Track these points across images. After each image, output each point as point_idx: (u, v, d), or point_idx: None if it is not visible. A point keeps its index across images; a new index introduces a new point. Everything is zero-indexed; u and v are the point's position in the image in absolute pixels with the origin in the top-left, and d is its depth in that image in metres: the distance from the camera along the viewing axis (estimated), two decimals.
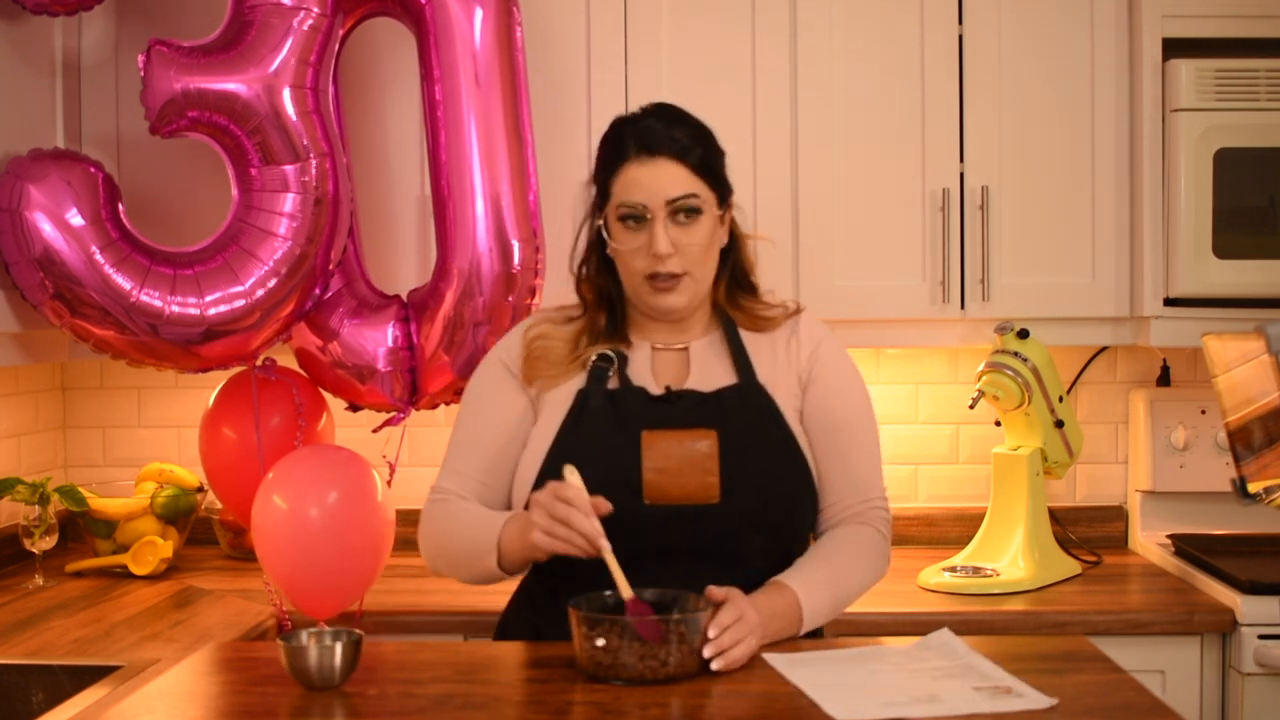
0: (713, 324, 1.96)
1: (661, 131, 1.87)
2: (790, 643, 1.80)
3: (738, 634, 1.64)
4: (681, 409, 1.85)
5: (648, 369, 1.91)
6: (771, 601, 1.75)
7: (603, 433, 1.84)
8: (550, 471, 1.82)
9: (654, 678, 1.58)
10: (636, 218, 1.85)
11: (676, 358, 1.93)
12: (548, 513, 1.68)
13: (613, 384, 1.88)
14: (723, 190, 1.91)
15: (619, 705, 1.52)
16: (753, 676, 1.64)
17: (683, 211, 1.84)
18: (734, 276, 1.97)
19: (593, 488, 1.75)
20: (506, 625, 1.99)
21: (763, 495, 1.82)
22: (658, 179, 1.84)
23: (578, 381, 1.89)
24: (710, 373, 1.91)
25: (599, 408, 1.85)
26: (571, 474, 1.69)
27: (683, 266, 1.85)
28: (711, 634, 1.62)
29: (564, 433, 1.85)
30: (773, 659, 1.69)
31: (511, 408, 1.92)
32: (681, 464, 1.80)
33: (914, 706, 1.50)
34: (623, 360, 1.90)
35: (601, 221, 1.90)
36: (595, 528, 1.65)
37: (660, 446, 1.81)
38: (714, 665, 1.61)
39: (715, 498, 1.80)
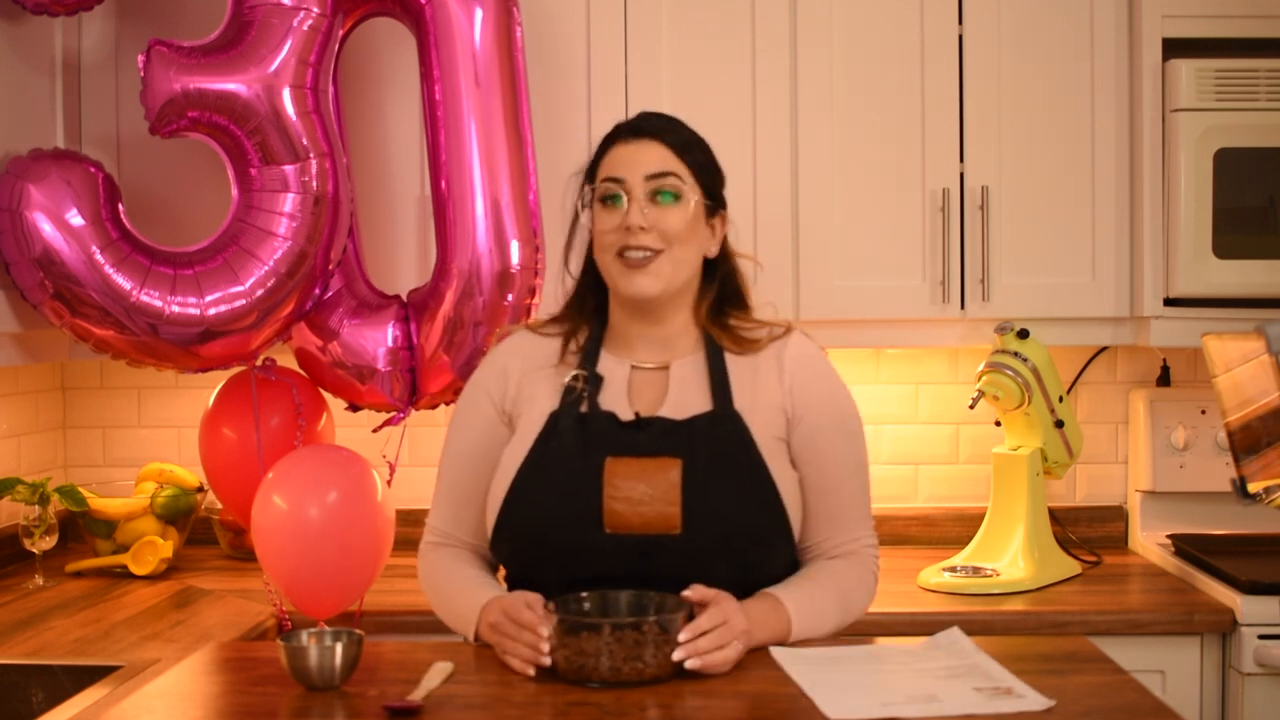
0: (698, 345, 1.91)
1: (656, 121, 1.89)
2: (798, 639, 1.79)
3: (720, 638, 1.63)
4: (649, 436, 1.81)
5: (623, 390, 1.87)
6: (763, 612, 1.74)
7: (568, 458, 1.80)
8: (517, 497, 1.81)
9: (631, 680, 1.58)
10: (615, 196, 1.84)
11: (655, 378, 1.89)
12: (500, 634, 1.69)
13: (584, 408, 1.84)
14: (711, 191, 1.89)
15: (619, 706, 1.52)
16: (752, 677, 1.63)
17: (661, 192, 1.83)
18: (722, 294, 1.94)
19: (555, 515, 1.75)
20: None
21: (725, 526, 1.77)
22: (639, 155, 1.84)
23: (551, 403, 1.86)
24: (687, 398, 1.86)
25: (567, 432, 1.82)
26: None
27: (658, 244, 1.82)
28: (684, 636, 1.60)
29: (531, 458, 1.82)
30: (778, 654, 1.69)
31: (492, 435, 1.90)
32: (644, 493, 1.75)
33: (911, 706, 1.50)
34: (596, 383, 1.86)
35: (592, 222, 1.89)
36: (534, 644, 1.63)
37: (623, 474, 1.77)
38: (688, 665, 1.60)
39: (676, 528, 1.74)
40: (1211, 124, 2.60)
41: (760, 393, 1.86)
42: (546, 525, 1.79)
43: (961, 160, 2.71)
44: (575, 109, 2.71)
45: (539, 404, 1.87)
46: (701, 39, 2.72)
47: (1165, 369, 3.01)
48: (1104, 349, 3.03)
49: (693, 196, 1.85)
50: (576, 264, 1.96)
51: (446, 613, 1.89)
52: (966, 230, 2.70)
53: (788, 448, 1.87)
